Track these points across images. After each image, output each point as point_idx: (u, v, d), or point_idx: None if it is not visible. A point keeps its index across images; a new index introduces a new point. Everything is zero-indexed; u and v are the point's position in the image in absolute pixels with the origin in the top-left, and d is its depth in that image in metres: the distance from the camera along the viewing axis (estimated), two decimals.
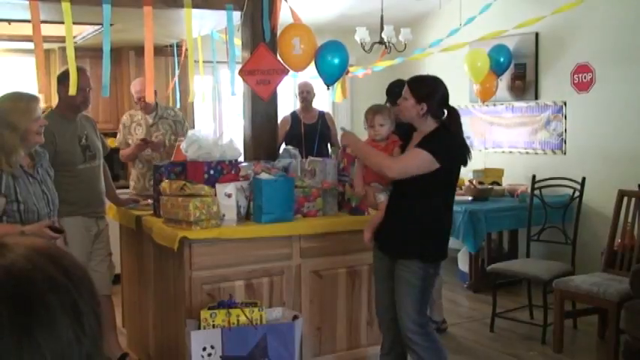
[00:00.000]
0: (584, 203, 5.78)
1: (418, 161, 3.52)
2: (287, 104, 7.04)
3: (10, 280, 0.75)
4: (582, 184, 5.69)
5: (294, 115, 6.64)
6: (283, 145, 6.07)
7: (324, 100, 7.77)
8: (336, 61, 5.06)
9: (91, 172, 4.45)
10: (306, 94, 6.60)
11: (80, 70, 4.38)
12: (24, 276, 0.77)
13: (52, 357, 0.73)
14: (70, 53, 4.23)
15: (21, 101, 3.47)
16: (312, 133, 6.40)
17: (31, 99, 3.53)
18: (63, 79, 4.37)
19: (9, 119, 3.37)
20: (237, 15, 4.87)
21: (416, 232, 3.63)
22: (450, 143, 3.61)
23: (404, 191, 3.64)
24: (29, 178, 3.46)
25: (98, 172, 4.55)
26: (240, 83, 4.91)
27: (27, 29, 4.45)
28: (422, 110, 3.58)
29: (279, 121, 5.32)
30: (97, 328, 0.80)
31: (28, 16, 4.22)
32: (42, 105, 3.54)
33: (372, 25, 6.86)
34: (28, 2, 4.13)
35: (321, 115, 6.77)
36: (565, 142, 6.66)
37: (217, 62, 6.21)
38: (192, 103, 6.99)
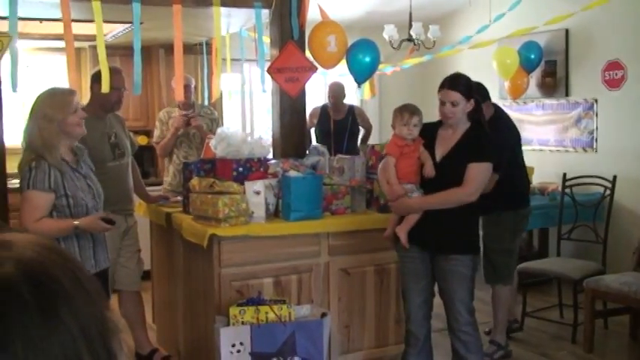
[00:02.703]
0: (615, 202, 5.71)
1: (484, 175, 3.66)
2: (317, 100, 7.05)
3: (22, 268, 0.78)
4: (613, 182, 5.62)
5: (324, 108, 6.68)
6: (314, 141, 6.16)
7: (353, 97, 7.77)
8: (368, 59, 5.05)
9: (119, 170, 4.49)
10: (334, 99, 6.67)
11: (115, 71, 4.45)
12: (36, 263, 0.80)
13: (76, 330, 0.77)
14: (102, 51, 4.26)
15: (56, 95, 3.54)
16: (341, 129, 6.44)
17: (67, 92, 3.60)
18: (98, 77, 4.41)
19: (45, 112, 3.43)
20: (265, 13, 4.88)
21: (468, 226, 3.74)
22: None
23: (452, 188, 3.64)
24: (75, 173, 3.50)
25: (127, 169, 4.59)
26: (269, 81, 4.92)
27: (58, 28, 4.50)
28: (470, 107, 3.70)
29: (306, 118, 5.33)
30: (100, 301, 0.83)
31: (59, 15, 4.27)
32: (78, 98, 3.58)
33: (401, 23, 6.83)
34: (59, 1, 4.17)
35: (351, 110, 6.81)
36: (596, 140, 6.58)
37: (246, 60, 6.24)
38: (221, 100, 7.04)
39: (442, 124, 3.79)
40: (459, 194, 3.62)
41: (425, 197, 3.69)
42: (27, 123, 3.52)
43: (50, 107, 3.44)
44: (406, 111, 3.73)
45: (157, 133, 5.77)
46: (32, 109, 3.50)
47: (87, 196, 3.51)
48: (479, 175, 3.63)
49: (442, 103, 3.67)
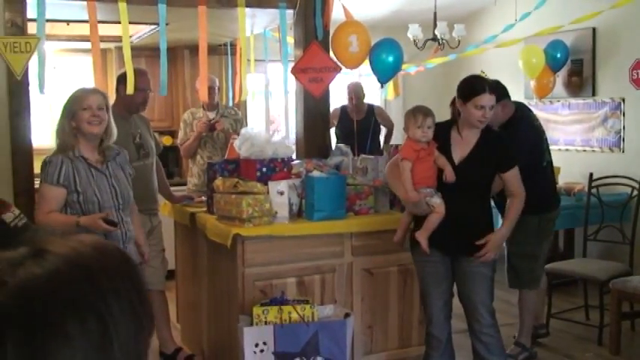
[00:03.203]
0: None
1: (519, 175, 3.77)
2: (340, 100, 7.02)
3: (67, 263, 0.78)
4: None
5: (343, 109, 6.67)
6: (334, 142, 6.15)
7: (376, 97, 7.76)
8: (391, 59, 5.04)
9: (144, 170, 4.53)
10: (356, 100, 6.64)
11: (141, 72, 4.52)
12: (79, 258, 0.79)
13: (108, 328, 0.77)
14: (127, 53, 4.30)
15: (77, 91, 3.63)
16: (363, 129, 6.43)
17: (88, 90, 3.66)
18: (124, 78, 4.45)
19: (64, 106, 3.56)
20: (290, 13, 4.90)
21: (486, 227, 3.74)
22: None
23: (473, 190, 3.68)
24: (92, 170, 3.54)
25: (151, 169, 4.63)
26: (292, 81, 4.94)
27: (84, 29, 4.55)
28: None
29: (330, 118, 5.33)
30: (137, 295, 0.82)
31: (85, 17, 4.31)
32: (102, 100, 3.59)
33: (425, 22, 6.81)
34: (85, 3, 4.22)
35: (371, 109, 6.80)
36: (623, 140, 6.51)
37: (270, 60, 6.26)
38: (245, 101, 7.07)
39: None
40: (520, 204, 3.75)
41: (504, 225, 3.78)
42: None
43: (67, 102, 3.56)
44: (419, 113, 3.67)
45: (180, 134, 5.82)
46: None
47: (103, 195, 3.53)
48: (518, 178, 3.74)
49: (479, 108, 3.60)
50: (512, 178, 3.71)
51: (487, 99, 3.60)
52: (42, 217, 3.47)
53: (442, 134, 3.71)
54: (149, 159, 4.60)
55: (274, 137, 4.33)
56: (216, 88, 5.81)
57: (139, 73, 4.42)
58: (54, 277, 0.76)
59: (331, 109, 6.22)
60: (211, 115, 5.73)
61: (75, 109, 3.50)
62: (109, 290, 0.78)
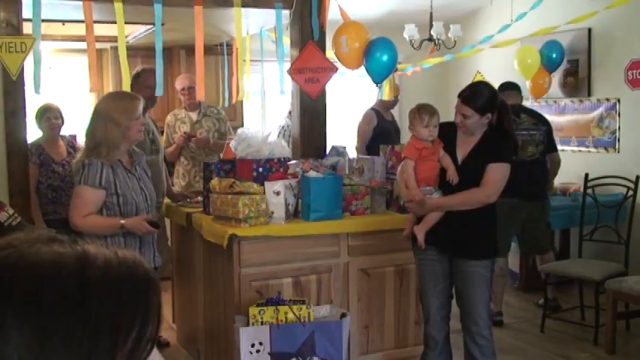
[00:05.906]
0: (637, 202, 5.66)
1: (503, 175, 3.62)
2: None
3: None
4: (636, 182, 5.57)
5: (376, 111, 6.62)
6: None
7: (373, 97, 7.75)
8: (385, 58, 5.03)
9: (155, 164, 4.66)
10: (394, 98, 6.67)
11: (149, 71, 4.71)
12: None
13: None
14: (122, 53, 4.31)
15: (123, 100, 3.66)
16: (393, 129, 6.49)
17: (133, 98, 3.69)
18: (140, 76, 4.77)
19: (112, 115, 3.52)
20: (286, 14, 4.89)
21: (489, 231, 3.71)
22: (510, 144, 3.71)
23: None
24: (128, 174, 3.59)
25: (161, 164, 4.85)
26: (289, 81, 4.93)
27: (80, 29, 4.54)
28: (487, 119, 3.62)
29: (327, 118, 5.30)
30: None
31: (81, 17, 4.31)
32: (142, 105, 3.68)
33: (421, 22, 6.81)
34: (81, 3, 4.22)
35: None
36: (618, 140, 6.52)
37: (266, 60, 6.25)
38: (242, 101, 7.07)
39: None
40: (478, 195, 3.59)
41: (444, 198, 3.64)
42: (91, 123, 3.59)
43: (117, 112, 3.53)
44: (425, 112, 3.64)
45: (164, 137, 5.88)
46: (98, 110, 3.60)
47: (138, 197, 3.60)
48: (498, 176, 3.59)
49: (456, 111, 3.63)
50: (492, 172, 3.58)
51: (458, 107, 3.64)
52: (79, 220, 3.47)
53: (448, 133, 3.70)
54: (159, 154, 4.82)
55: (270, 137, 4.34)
56: (196, 87, 5.83)
57: (148, 71, 4.63)
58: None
59: (365, 115, 6.28)
60: (194, 115, 5.84)
61: (126, 119, 3.52)
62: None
